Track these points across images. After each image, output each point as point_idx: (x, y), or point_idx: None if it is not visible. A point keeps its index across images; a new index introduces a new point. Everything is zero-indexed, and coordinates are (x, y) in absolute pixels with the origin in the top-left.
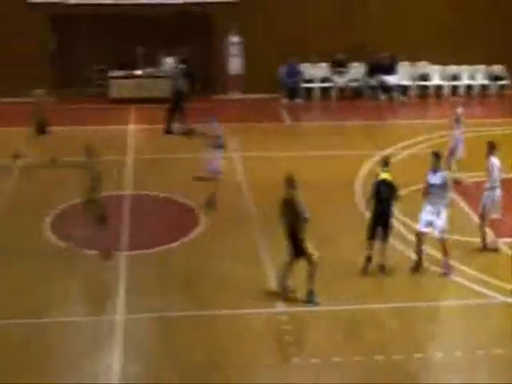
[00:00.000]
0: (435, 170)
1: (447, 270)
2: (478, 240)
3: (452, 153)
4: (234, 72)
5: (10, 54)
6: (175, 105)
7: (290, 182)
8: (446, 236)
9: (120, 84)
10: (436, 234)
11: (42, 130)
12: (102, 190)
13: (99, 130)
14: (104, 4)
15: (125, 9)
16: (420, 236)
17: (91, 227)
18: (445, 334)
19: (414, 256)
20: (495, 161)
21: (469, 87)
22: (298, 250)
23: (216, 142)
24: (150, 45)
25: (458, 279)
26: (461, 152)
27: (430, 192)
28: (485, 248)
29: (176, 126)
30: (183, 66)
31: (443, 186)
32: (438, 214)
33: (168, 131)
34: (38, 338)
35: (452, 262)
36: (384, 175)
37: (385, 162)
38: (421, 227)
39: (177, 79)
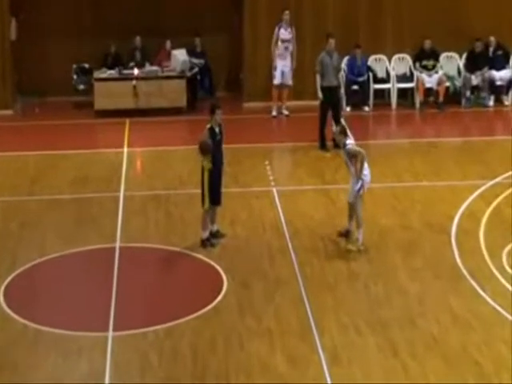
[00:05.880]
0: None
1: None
2: None
3: None
4: (279, 79)
5: None
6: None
7: None
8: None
9: (110, 89)
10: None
11: None
12: None
13: (83, 156)
14: None
15: None
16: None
17: None
18: None
19: None
20: None
21: None
22: None
23: None
24: (151, 32)
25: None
26: None
27: None
28: None
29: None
30: (200, 62)
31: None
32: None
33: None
34: None
35: None
36: None
37: None
38: None
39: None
